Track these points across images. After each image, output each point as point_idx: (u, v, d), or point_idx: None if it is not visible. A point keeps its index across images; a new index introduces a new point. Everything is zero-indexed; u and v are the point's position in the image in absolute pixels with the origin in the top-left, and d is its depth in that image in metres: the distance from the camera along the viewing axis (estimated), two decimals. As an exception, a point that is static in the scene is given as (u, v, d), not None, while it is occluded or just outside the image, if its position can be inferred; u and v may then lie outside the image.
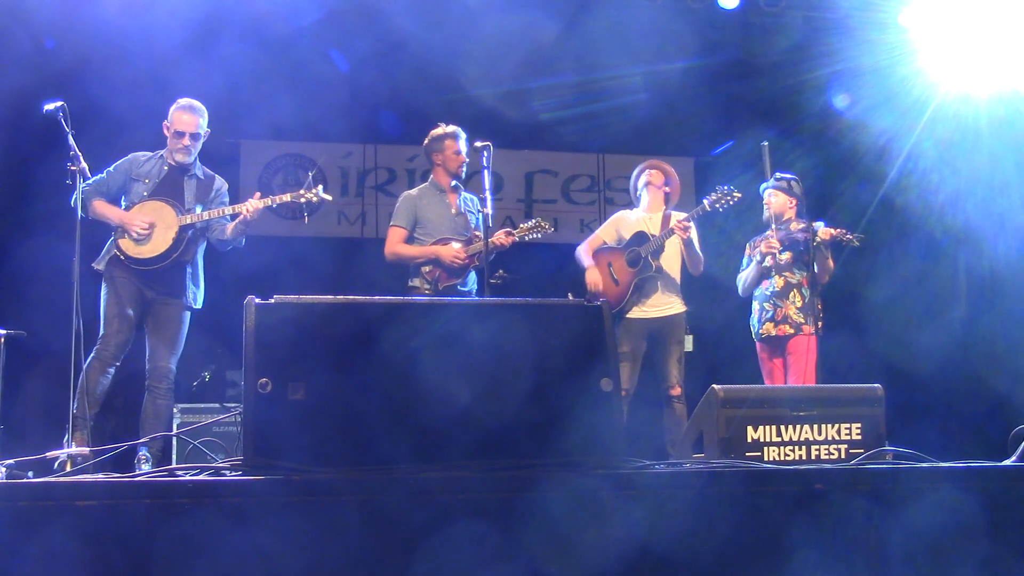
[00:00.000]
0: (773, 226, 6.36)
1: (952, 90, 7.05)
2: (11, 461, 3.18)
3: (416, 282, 5.94)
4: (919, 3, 6.91)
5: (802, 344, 6.16)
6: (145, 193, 5.41)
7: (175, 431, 6.09)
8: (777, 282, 6.27)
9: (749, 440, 3.81)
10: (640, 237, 6.25)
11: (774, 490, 3.13)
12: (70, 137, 4.82)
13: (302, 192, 5.50)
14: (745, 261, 6.47)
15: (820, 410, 3.91)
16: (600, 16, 7.26)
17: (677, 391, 6.10)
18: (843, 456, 3.88)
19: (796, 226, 6.24)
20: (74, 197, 5.01)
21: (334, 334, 3.21)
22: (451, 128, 5.96)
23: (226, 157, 7.80)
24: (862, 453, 3.83)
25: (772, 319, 6.23)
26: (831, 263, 6.24)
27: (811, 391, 4.40)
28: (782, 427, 3.84)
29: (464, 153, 5.96)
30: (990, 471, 3.45)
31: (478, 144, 5.74)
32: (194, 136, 5.47)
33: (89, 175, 4.90)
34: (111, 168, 5.47)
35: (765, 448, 3.82)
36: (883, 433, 3.97)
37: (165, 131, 5.51)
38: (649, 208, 6.37)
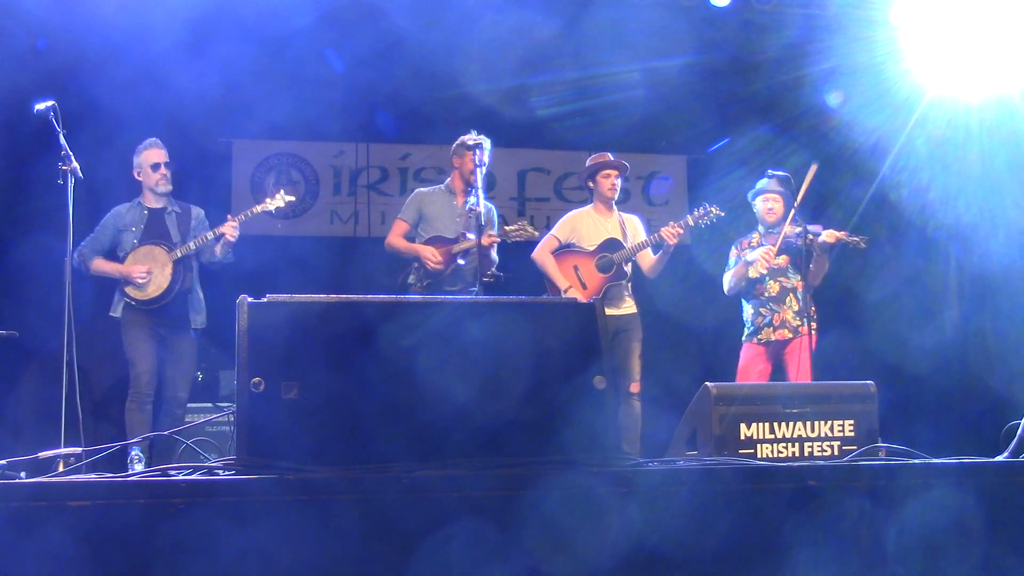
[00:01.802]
0: (760, 229, 6.38)
1: (943, 89, 7.05)
2: (3, 461, 3.17)
3: (411, 278, 6.06)
4: (908, 1, 6.92)
5: (798, 345, 6.20)
6: (135, 241, 5.87)
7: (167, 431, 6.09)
8: (772, 287, 6.28)
9: (742, 437, 3.82)
10: (613, 243, 6.27)
11: (767, 487, 3.13)
12: (61, 137, 4.82)
13: (268, 201, 6.00)
14: (732, 261, 6.47)
15: (813, 407, 3.93)
16: (594, 15, 7.25)
17: (637, 388, 6.17)
18: (836, 453, 3.90)
19: (790, 229, 6.23)
20: (73, 261, 5.39)
21: (327, 333, 3.21)
22: (475, 138, 5.92)
23: (219, 157, 7.80)
24: (855, 450, 3.84)
25: (770, 324, 6.26)
26: (827, 266, 6.25)
27: (804, 388, 4.42)
28: (775, 424, 3.86)
29: (486, 165, 5.91)
30: (982, 467, 3.46)
31: (470, 142, 5.78)
32: (167, 165, 5.95)
33: (81, 175, 4.89)
34: (98, 227, 5.93)
35: (758, 445, 3.83)
36: (876, 430, 3.98)
37: (137, 176, 5.96)
38: (601, 206, 6.40)
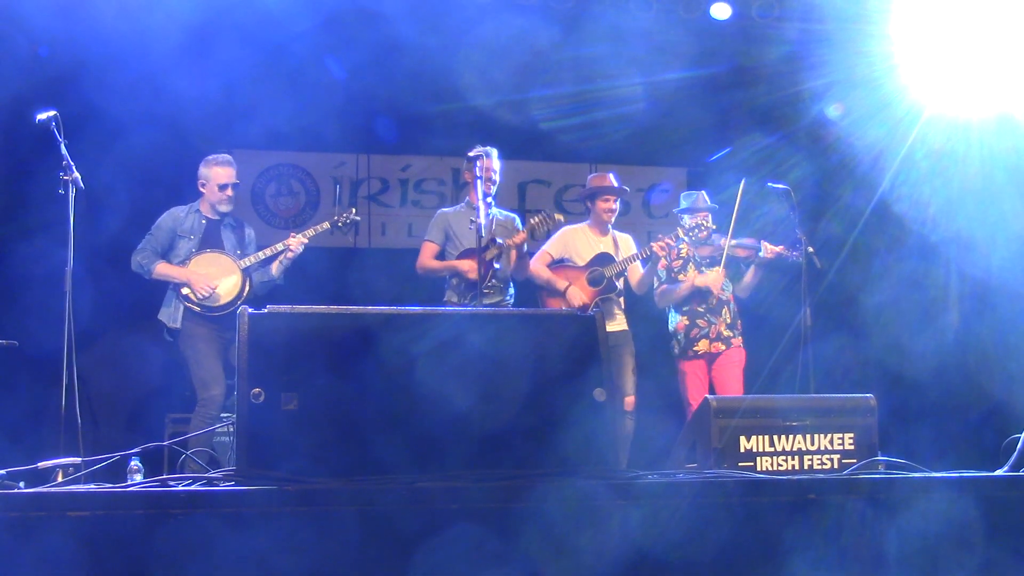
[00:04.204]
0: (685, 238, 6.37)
1: (942, 103, 7.07)
2: (2, 471, 3.17)
3: (450, 296, 6.10)
4: (904, 16, 6.93)
5: (730, 358, 6.32)
6: (193, 249, 5.85)
7: (167, 440, 6.09)
8: (710, 299, 6.32)
9: (742, 450, 3.82)
10: (604, 258, 6.32)
11: (767, 500, 3.13)
12: (63, 146, 4.83)
13: (336, 218, 6.11)
14: (663, 273, 6.44)
15: (813, 420, 3.92)
16: (594, 27, 7.28)
17: (631, 402, 6.22)
18: (836, 466, 3.89)
19: (725, 241, 6.27)
20: (132, 264, 5.78)
21: (327, 344, 3.21)
22: (482, 148, 5.99)
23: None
24: (855, 463, 3.84)
25: (707, 336, 6.30)
26: (756, 280, 6.41)
27: (804, 401, 4.42)
28: (775, 437, 3.85)
29: (496, 171, 6.04)
30: (982, 481, 3.46)
31: (471, 154, 5.82)
32: (235, 186, 5.97)
33: (82, 185, 4.89)
34: (153, 229, 5.88)
35: (758, 458, 3.83)
36: (875, 443, 3.98)
37: (201, 188, 5.92)
38: (598, 227, 6.44)
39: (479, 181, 5.72)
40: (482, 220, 5.60)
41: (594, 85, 7.62)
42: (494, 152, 6.03)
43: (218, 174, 5.90)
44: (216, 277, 5.78)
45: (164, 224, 5.89)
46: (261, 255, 5.89)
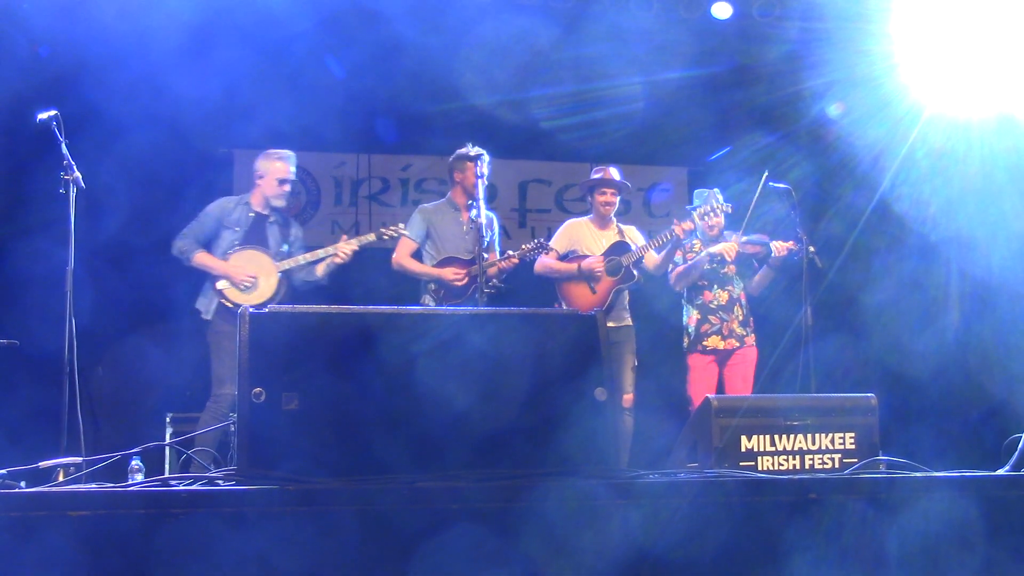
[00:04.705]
0: (699, 236, 6.40)
1: (942, 103, 7.07)
2: (3, 471, 3.17)
3: (426, 300, 6.11)
4: (904, 15, 6.93)
5: (743, 356, 6.35)
6: (236, 242, 5.82)
7: (167, 440, 6.09)
8: (721, 296, 6.37)
9: (743, 449, 3.82)
10: (621, 246, 6.30)
11: (768, 499, 3.13)
12: (63, 146, 4.82)
13: (382, 230, 6.08)
14: (679, 259, 6.48)
15: (814, 420, 3.92)
16: (595, 26, 7.28)
17: (630, 399, 6.20)
18: (837, 466, 3.89)
19: (736, 238, 6.30)
20: (172, 248, 5.76)
21: (328, 344, 3.21)
22: (476, 150, 5.98)
23: (220, 166, 7.80)
24: (856, 463, 3.84)
25: (719, 333, 6.32)
26: (768, 279, 6.44)
27: (805, 400, 4.42)
28: (776, 437, 3.85)
29: (486, 177, 6.02)
30: (983, 480, 3.46)
31: (472, 153, 5.82)
32: (292, 182, 6.01)
33: (83, 184, 4.89)
34: (200, 216, 5.87)
35: (759, 458, 3.83)
36: (876, 443, 3.98)
37: (258, 181, 5.91)
38: (599, 220, 6.45)
39: (479, 180, 5.71)
40: (483, 220, 5.60)
41: (594, 85, 7.62)
42: (486, 155, 6.05)
43: (278, 168, 5.91)
44: (255, 275, 5.77)
45: (212, 212, 5.88)
46: (302, 259, 5.87)
